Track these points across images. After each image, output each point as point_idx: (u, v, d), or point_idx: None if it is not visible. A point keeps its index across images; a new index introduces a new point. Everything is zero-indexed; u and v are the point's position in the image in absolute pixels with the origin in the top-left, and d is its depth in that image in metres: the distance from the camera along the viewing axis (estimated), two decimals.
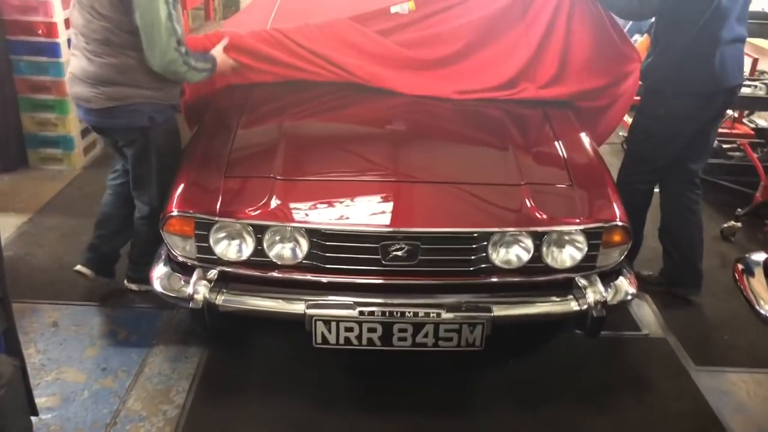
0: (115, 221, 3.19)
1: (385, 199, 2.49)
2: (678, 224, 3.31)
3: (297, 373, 2.78)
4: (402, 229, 2.37)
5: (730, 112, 5.32)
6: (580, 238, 2.45)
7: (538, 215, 2.43)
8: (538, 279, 2.48)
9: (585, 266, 2.49)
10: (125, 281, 3.28)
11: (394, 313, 2.37)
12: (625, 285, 2.59)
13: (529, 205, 2.46)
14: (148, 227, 3.00)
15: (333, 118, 3.22)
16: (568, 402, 2.70)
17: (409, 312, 2.37)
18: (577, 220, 2.44)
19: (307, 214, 2.42)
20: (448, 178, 2.62)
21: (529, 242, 2.43)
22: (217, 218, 2.40)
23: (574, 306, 2.45)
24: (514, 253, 2.45)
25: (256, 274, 2.47)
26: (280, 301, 2.43)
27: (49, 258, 3.54)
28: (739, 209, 4.00)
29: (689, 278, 3.37)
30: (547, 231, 2.42)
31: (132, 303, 3.18)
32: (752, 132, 5.15)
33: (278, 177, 2.53)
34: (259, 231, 2.42)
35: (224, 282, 2.46)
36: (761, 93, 4.40)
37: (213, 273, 2.44)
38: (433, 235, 2.40)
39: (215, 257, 2.46)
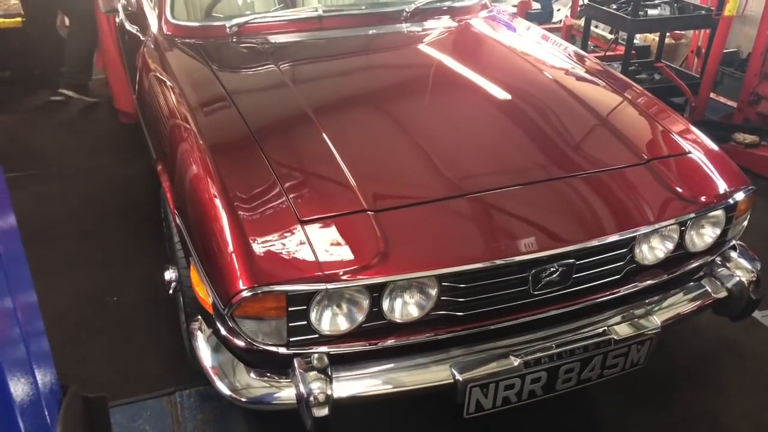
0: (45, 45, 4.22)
1: (522, 211, 1.93)
2: None
3: None
4: (559, 250, 1.85)
5: (609, 35, 5.36)
6: (721, 213, 2.11)
7: (684, 198, 2.04)
8: (682, 270, 2.12)
9: (718, 243, 2.17)
10: (59, 89, 4.10)
11: (563, 354, 1.89)
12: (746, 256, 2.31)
13: (670, 187, 2.06)
14: (82, 33, 4.00)
15: (376, 92, 2.58)
16: None
17: (579, 347, 1.90)
18: (720, 194, 2.09)
19: (434, 255, 1.79)
20: (573, 169, 2.07)
21: (676, 229, 2.05)
22: (324, 285, 1.69)
23: (722, 292, 2.14)
24: (660, 247, 2.05)
25: (366, 345, 1.81)
26: (419, 372, 1.82)
27: None
28: None
29: None
30: (696, 215, 2.05)
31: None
32: (634, 52, 5.19)
33: (373, 209, 1.85)
34: (375, 289, 1.75)
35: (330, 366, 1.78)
36: (666, 14, 4.37)
37: (320, 360, 1.75)
38: (591, 248, 1.90)
39: (315, 336, 1.76)
